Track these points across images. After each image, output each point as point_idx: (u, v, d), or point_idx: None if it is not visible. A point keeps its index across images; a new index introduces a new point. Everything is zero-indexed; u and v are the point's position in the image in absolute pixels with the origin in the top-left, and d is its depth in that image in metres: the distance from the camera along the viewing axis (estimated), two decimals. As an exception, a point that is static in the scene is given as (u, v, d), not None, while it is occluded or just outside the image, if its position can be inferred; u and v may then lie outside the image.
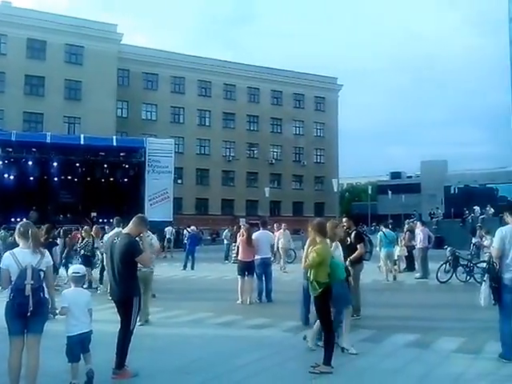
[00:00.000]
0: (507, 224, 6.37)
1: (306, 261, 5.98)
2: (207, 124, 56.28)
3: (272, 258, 12.96)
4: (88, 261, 12.41)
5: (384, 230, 16.61)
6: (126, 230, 6.06)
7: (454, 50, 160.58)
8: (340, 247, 6.82)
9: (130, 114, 51.22)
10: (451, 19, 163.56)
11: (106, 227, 17.97)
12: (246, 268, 10.91)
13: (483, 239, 15.03)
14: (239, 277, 10.96)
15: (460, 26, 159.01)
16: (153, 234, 9.29)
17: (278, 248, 17.55)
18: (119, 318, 5.70)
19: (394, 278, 15.42)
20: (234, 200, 55.93)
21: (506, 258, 6.09)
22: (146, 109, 52.76)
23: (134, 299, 5.67)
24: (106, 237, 12.27)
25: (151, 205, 30.47)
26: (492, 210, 32.58)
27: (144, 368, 5.76)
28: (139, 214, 6.30)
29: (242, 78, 56.82)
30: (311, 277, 5.86)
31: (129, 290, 5.66)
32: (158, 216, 28.52)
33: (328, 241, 6.27)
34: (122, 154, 31.32)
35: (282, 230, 18.75)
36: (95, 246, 13.24)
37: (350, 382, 5.39)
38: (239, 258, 11.24)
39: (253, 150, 58.69)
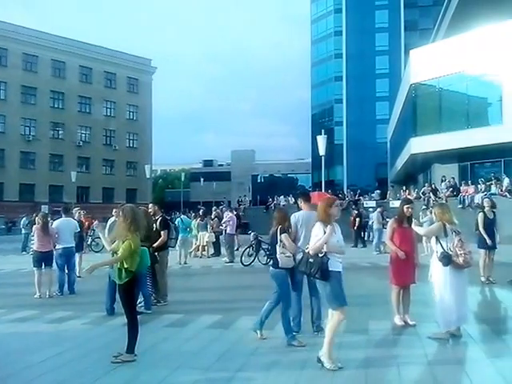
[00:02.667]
0: (301, 210, 7.05)
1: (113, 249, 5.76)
2: (2, 97, 50.61)
3: (83, 250, 12.39)
4: None
5: (182, 216, 17.47)
6: None
7: (265, 44, 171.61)
8: (339, 230, 5.54)
9: None
10: (264, 15, 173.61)
11: None
12: (42, 259, 10.12)
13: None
14: (35, 269, 10.16)
15: (271, 22, 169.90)
16: None
17: None
18: None
19: (185, 263, 16.07)
20: (35, 185, 51.48)
21: (297, 241, 6.67)
22: None
23: None
24: None
25: None
26: (292, 198, 35.77)
27: None
28: None
29: (45, 48, 52.11)
30: (122, 265, 5.65)
31: None
32: None
33: (320, 224, 5.34)
34: None
35: None
36: None
37: (153, 368, 5.39)
38: (34, 248, 10.38)
39: (57, 130, 54.62)
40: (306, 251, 5.40)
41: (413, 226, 7.02)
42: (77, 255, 12.51)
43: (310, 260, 5.28)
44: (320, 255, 5.24)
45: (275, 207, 32.99)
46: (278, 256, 6.18)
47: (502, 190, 21.98)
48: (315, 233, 5.33)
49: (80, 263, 12.74)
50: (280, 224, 6.29)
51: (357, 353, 5.77)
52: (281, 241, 6.16)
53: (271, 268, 6.38)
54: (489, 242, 10.51)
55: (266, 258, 15.26)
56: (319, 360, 5.24)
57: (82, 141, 56.00)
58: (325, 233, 5.25)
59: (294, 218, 6.82)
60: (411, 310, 7.12)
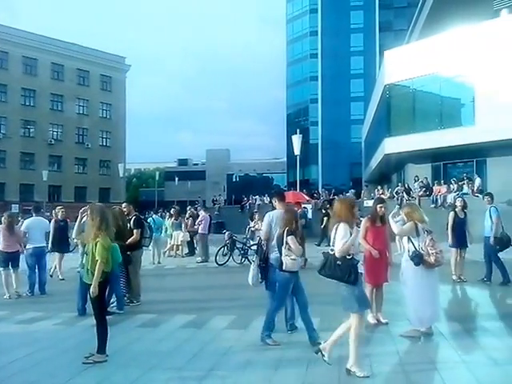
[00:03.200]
0: (275, 209, 7.04)
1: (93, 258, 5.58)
2: (-29, 95, 49.38)
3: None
4: None
5: (154, 216, 17.30)
6: None
7: (241, 43, 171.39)
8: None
9: None
10: (240, 14, 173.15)
11: None
12: (8, 259, 9.90)
13: (254, 223, 16.44)
14: (1, 269, 9.96)
15: (246, 21, 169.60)
16: None
17: None
18: None
19: (159, 262, 15.92)
20: (6, 183, 50.45)
21: (272, 240, 6.64)
22: None
23: None
24: None
25: None
26: (267, 197, 35.87)
27: None
28: None
29: (15, 45, 50.97)
30: (93, 266, 5.55)
31: None
32: None
33: (344, 225, 5.08)
34: None
35: None
36: None
37: (125, 368, 5.32)
38: (0, 248, 10.03)
39: (28, 128, 53.53)
40: (331, 253, 5.07)
41: (390, 218, 6.94)
42: (57, 255, 12.14)
43: (338, 263, 4.98)
44: (348, 257, 4.99)
45: (250, 206, 33.03)
46: (282, 258, 6.00)
47: (473, 190, 22.41)
48: (341, 234, 5.02)
49: (60, 264, 12.32)
50: (288, 225, 6.08)
51: (330, 350, 5.80)
52: (287, 243, 5.97)
53: (276, 270, 6.19)
54: (450, 241, 10.72)
55: (240, 257, 15.26)
56: (349, 372, 4.96)
57: (53, 139, 55.00)
58: (351, 234, 5.03)
59: (269, 217, 6.80)
60: (384, 308, 7.18)
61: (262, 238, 6.87)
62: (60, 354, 6.00)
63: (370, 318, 7.07)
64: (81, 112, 57.93)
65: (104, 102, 59.82)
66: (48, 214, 20.43)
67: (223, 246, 15.73)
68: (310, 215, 23.75)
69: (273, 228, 6.67)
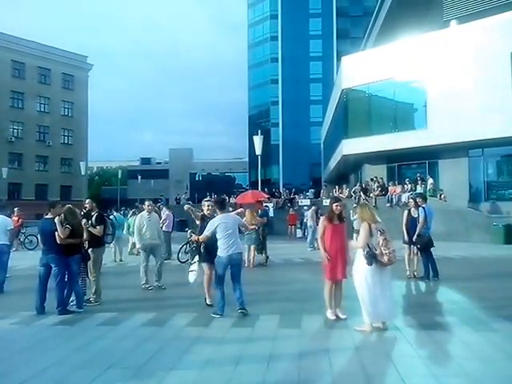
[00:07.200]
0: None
1: None
2: None
3: (14, 248, 11.90)
4: None
5: (115, 214, 17.13)
6: None
7: (200, 46, 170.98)
8: None
9: None
10: (198, 15, 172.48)
11: None
12: None
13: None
14: None
15: (206, 23, 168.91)
16: None
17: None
18: None
19: (121, 260, 15.81)
20: (-36, 180, 48.81)
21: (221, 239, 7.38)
22: None
23: None
24: None
25: None
26: (233, 197, 35.94)
27: None
28: None
29: (-27, 41, 49.42)
30: None
31: None
32: None
33: None
34: None
35: None
36: None
37: (84, 368, 5.26)
38: None
39: (-13, 126, 51.91)
40: None
41: (350, 242, 7.16)
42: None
43: None
44: None
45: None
46: None
47: (427, 190, 23.09)
48: None
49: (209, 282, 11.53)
50: None
51: (290, 346, 5.89)
52: None
53: None
54: (406, 238, 11.06)
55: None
56: None
57: (13, 136, 53.87)
58: None
59: (212, 224, 7.60)
60: (342, 303, 7.31)
61: (201, 240, 7.78)
62: (16, 353, 5.88)
63: (329, 313, 7.21)
64: (42, 110, 56.90)
65: (66, 100, 58.90)
66: (9, 212, 19.96)
67: (185, 244, 15.73)
68: (271, 213, 24.01)
69: (217, 228, 7.50)
